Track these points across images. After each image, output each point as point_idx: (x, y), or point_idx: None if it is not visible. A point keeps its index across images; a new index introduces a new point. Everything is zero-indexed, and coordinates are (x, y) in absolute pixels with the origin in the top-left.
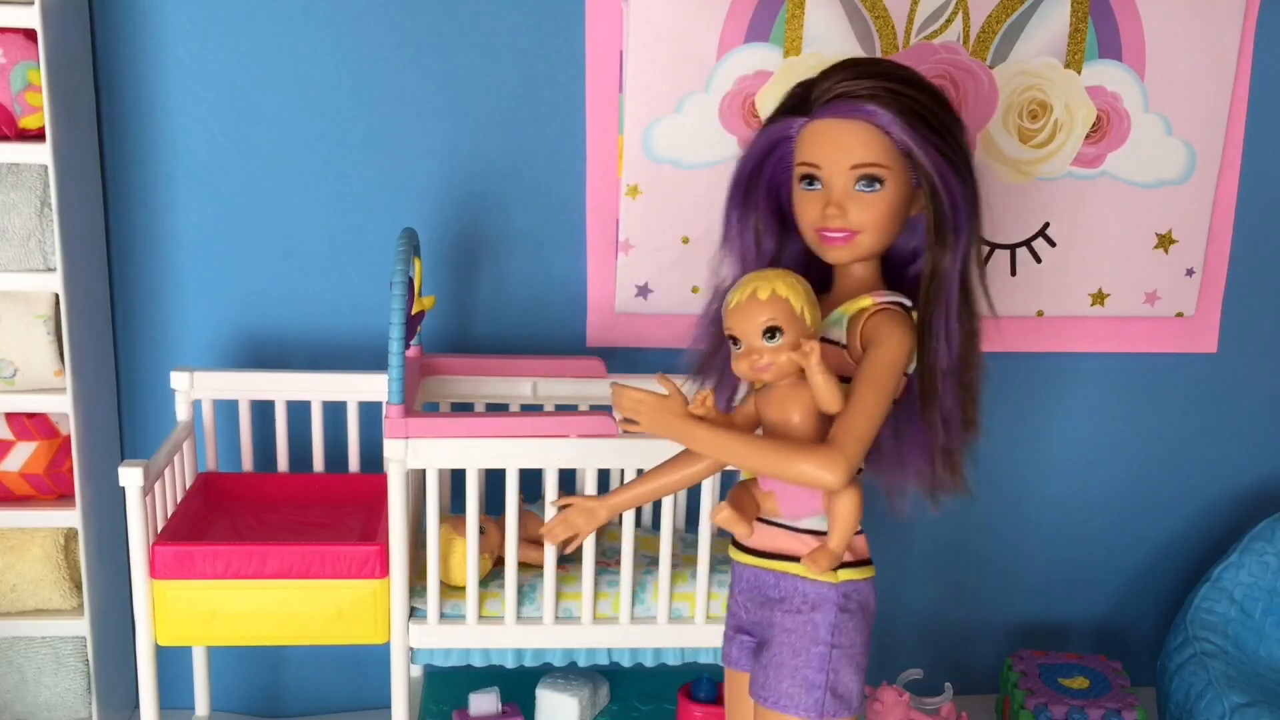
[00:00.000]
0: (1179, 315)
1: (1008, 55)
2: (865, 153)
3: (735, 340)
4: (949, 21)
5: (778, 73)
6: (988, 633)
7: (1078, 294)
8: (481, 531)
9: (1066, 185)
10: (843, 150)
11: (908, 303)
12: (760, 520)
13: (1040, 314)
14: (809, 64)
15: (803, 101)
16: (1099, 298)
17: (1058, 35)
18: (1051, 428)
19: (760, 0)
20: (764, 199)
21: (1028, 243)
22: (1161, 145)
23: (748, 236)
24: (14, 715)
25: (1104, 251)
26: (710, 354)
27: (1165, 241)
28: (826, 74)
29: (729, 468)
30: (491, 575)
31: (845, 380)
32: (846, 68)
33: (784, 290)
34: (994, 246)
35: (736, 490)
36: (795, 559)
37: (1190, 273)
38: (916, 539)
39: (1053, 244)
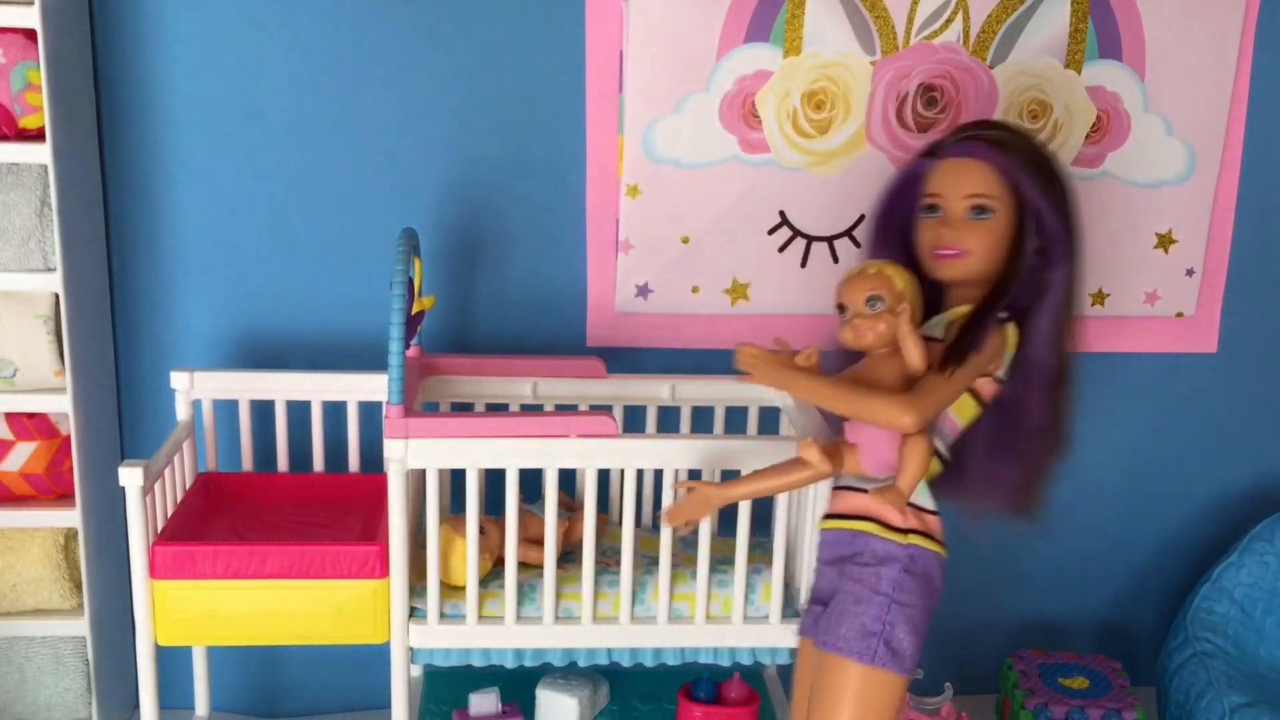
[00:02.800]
0: (1179, 315)
1: (1008, 55)
2: (980, 184)
3: (842, 309)
4: (949, 21)
5: (778, 73)
6: (988, 633)
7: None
8: (481, 531)
9: None
10: (961, 182)
11: (1004, 315)
12: (841, 488)
13: None
14: (809, 64)
15: (936, 147)
16: (1099, 298)
17: (1058, 35)
18: None
19: (760, 0)
20: (898, 240)
21: None
22: (1161, 145)
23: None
24: (14, 715)
25: (1104, 251)
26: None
27: (1165, 241)
28: (960, 128)
29: (823, 482)
30: (491, 575)
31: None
32: (978, 124)
33: (889, 270)
34: None
35: (826, 444)
36: (869, 519)
37: (1190, 273)
38: None
39: None
